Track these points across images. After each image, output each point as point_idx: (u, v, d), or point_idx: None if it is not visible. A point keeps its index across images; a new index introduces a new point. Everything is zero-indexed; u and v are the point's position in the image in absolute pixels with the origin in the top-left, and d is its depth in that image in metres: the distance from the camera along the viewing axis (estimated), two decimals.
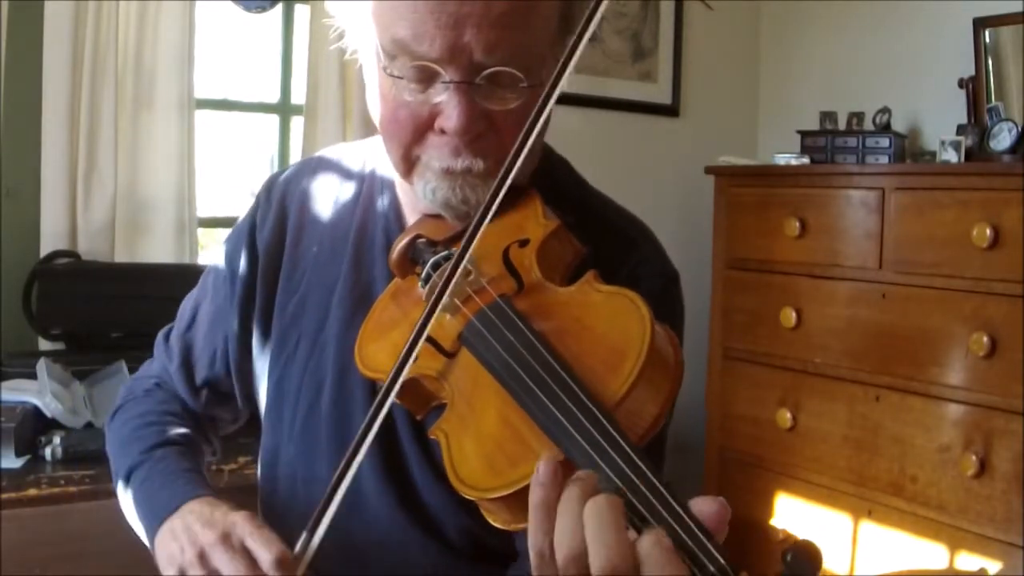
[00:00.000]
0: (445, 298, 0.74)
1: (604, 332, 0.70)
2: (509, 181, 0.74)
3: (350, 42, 0.87)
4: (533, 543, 0.60)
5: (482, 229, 0.74)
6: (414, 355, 0.72)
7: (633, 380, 0.64)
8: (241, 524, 0.81)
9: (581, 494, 0.58)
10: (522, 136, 0.74)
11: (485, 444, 0.69)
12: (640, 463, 0.60)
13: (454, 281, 0.74)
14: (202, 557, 0.80)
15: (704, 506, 0.58)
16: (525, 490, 0.62)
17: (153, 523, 0.88)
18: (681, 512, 0.57)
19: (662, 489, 0.58)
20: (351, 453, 0.71)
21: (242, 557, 0.79)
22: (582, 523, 0.57)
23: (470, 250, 0.74)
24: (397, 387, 0.72)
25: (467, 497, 0.67)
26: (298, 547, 0.73)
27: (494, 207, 0.74)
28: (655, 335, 0.67)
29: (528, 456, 0.65)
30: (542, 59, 0.80)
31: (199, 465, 0.99)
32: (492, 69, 0.77)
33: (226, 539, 0.80)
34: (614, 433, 0.62)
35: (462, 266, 0.74)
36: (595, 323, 0.72)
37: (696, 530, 0.56)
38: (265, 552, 0.77)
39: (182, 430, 1.02)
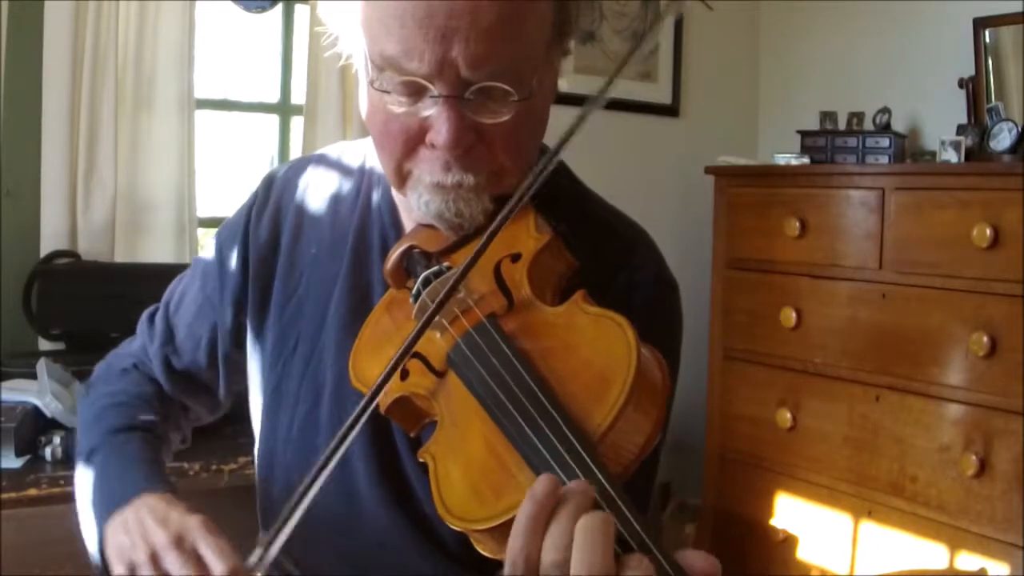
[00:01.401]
0: (434, 320, 0.72)
1: (589, 357, 0.69)
2: (511, 206, 0.72)
3: (343, 48, 0.87)
4: (510, 552, 0.60)
5: (478, 260, 0.72)
6: (387, 383, 0.70)
7: (618, 411, 0.63)
8: (196, 528, 0.80)
9: (577, 507, 0.59)
10: (541, 165, 0.72)
11: (471, 472, 0.68)
12: (620, 501, 0.59)
13: (443, 308, 0.72)
14: (154, 558, 0.79)
15: (696, 559, 0.58)
16: (511, 522, 0.61)
17: (106, 509, 0.87)
18: (655, 550, 0.57)
19: (638, 527, 0.58)
20: (316, 471, 0.68)
21: (195, 564, 0.78)
22: (571, 536, 0.57)
23: (462, 282, 0.72)
24: (364, 418, 0.69)
25: (453, 528, 0.66)
26: (251, 559, 0.71)
27: (497, 233, 0.72)
28: (641, 362, 0.65)
29: (512, 487, 0.64)
30: (533, 70, 0.79)
31: (162, 456, 0.98)
32: (481, 84, 0.76)
33: (179, 542, 0.79)
34: (594, 468, 0.61)
35: (453, 294, 0.73)
36: (580, 347, 0.70)
37: (669, 568, 0.56)
38: (218, 563, 0.77)
39: (151, 416, 1.01)
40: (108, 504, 0.87)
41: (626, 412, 0.64)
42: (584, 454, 0.61)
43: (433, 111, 0.77)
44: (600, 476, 0.60)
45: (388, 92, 0.78)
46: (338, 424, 0.89)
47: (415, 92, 0.77)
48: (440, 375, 0.75)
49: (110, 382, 1.05)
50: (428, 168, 0.80)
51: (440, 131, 0.77)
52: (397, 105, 0.79)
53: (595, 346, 0.69)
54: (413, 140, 0.80)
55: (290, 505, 0.69)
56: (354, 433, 0.69)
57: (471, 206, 0.81)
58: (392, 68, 0.76)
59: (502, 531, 0.62)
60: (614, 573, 0.56)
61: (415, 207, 0.84)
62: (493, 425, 0.67)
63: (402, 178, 0.84)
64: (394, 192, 0.95)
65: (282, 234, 0.98)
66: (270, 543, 0.69)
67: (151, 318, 1.09)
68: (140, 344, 1.08)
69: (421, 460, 0.72)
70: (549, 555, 0.58)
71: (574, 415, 0.64)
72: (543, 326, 0.74)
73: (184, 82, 2.24)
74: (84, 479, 0.95)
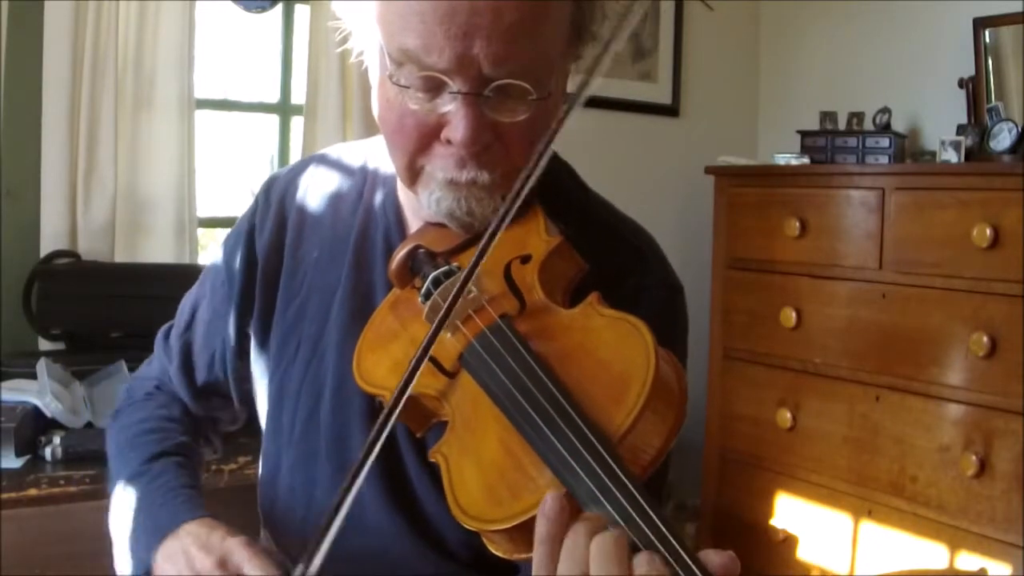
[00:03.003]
0: (447, 322, 0.71)
1: (607, 359, 0.68)
2: (518, 202, 0.71)
3: (356, 44, 0.86)
4: (536, 574, 0.60)
5: (486, 255, 0.71)
6: (411, 387, 0.69)
7: (637, 412, 0.63)
8: (238, 550, 0.81)
9: (590, 528, 0.58)
10: (535, 158, 0.71)
11: (486, 472, 0.67)
12: (643, 502, 0.59)
13: (456, 307, 0.71)
14: None
15: (715, 557, 0.57)
16: (527, 522, 0.61)
17: (151, 542, 0.88)
18: (682, 552, 0.57)
19: (664, 529, 0.58)
20: (349, 480, 0.67)
21: None
22: (587, 555, 0.57)
23: (473, 277, 0.71)
24: (392, 421, 0.68)
25: (468, 527, 0.65)
26: (294, 574, 0.70)
27: (502, 228, 0.71)
28: (659, 364, 0.65)
29: (530, 487, 0.63)
30: (552, 70, 0.79)
31: (197, 480, 0.99)
32: (501, 81, 0.75)
33: (223, 565, 0.80)
34: (617, 470, 0.60)
35: (464, 292, 0.71)
36: (598, 349, 0.70)
37: (696, 570, 0.56)
38: None
39: (181, 439, 1.01)
40: (152, 538, 0.88)
41: (645, 414, 0.63)
42: (606, 455, 0.61)
43: (451, 107, 0.77)
44: (622, 476, 0.60)
45: (407, 87, 0.78)
46: (338, 426, 0.90)
47: (433, 88, 0.77)
48: (451, 375, 0.74)
49: (137, 409, 1.05)
50: (442, 164, 0.80)
51: (458, 128, 0.76)
52: (414, 101, 0.78)
53: (612, 348, 0.68)
54: (428, 136, 0.79)
55: (327, 518, 0.67)
56: (379, 444, 0.67)
57: (483, 205, 0.81)
58: (411, 62, 0.76)
59: (519, 531, 0.62)
60: None
61: (425, 205, 0.83)
62: (509, 426, 0.67)
63: (414, 175, 0.83)
64: (400, 193, 0.95)
65: (285, 237, 0.98)
66: (310, 557, 0.68)
67: (166, 336, 1.08)
68: (159, 365, 1.08)
69: (432, 460, 0.71)
70: (565, 569, 0.58)
71: (594, 417, 0.64)
72: (558, 328, 0.73)
73: (184, 82, 2.24)
74: (121, 509, 0.95)
